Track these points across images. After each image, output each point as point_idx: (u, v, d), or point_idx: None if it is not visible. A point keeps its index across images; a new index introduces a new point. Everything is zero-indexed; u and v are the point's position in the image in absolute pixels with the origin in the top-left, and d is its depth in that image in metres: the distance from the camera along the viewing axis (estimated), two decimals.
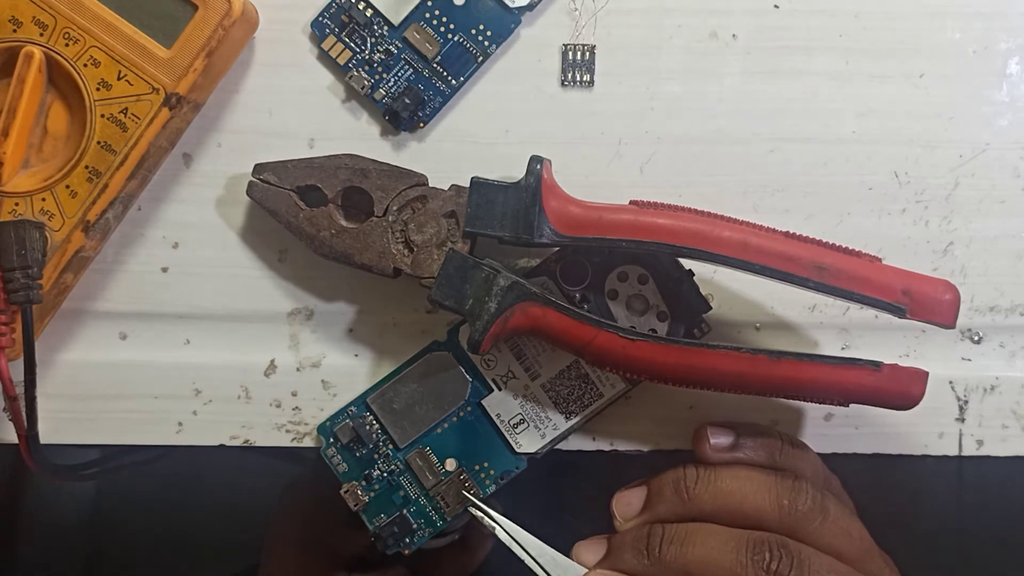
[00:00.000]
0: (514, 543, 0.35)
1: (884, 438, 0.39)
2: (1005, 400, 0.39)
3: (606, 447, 0.39)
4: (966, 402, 0.39)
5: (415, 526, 0.37)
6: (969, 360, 0.39)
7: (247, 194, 0.36)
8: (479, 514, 0.35)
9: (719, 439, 0.35)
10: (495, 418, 0.37)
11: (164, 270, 0.38)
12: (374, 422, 0.37)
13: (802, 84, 0.38)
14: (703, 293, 0.37)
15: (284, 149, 0.38)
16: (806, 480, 0.34)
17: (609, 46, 0.38)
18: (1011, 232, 0.38)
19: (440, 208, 0.35)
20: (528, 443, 0.37)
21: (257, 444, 0.39)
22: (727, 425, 0.36)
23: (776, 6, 0.38)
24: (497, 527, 0.35)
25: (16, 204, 0.35)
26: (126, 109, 0.34)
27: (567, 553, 0.35)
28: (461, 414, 0.37)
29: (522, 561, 0.35)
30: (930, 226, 0.38)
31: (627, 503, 0.35)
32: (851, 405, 0.34)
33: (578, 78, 0.38)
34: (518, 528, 0.35)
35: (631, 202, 0.35)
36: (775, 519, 0.33)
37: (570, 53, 0.38)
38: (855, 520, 0.34)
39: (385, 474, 0.37)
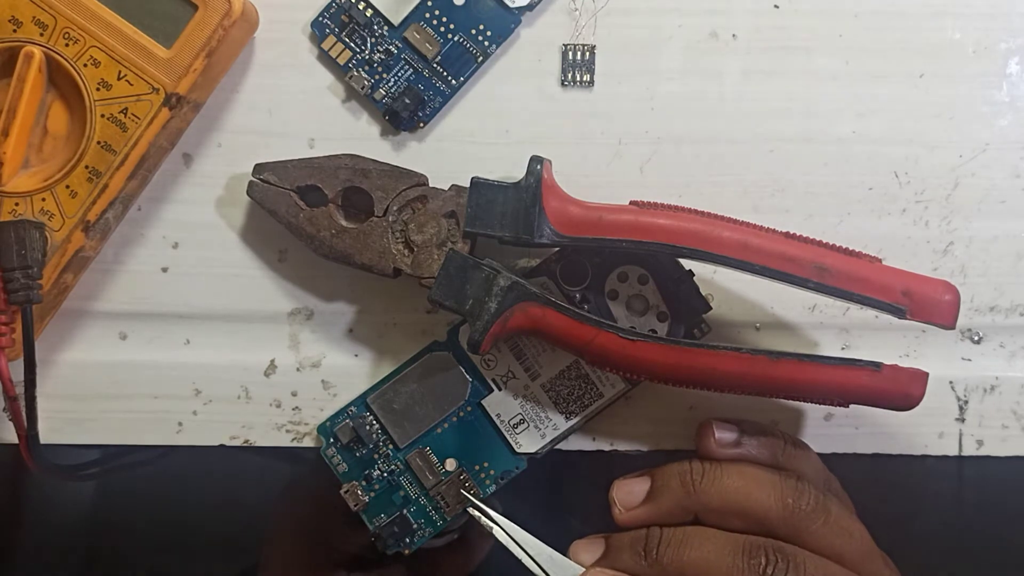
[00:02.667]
0: (512, 542, 0.35)
1: (884, 438, 0.39)
2: (1005, 400, 0.39)
3: (606, 447, 0.39)
4: (966, 402, 0.39)
5: (415, 526, 0.37)
6: (969, 360, 0.39)
7: (247, 194, 0.36)
8: (477, 514, 0.35)
9: (724, 434, 0.35)
10: (495, 418, 0.37)
11: (164, 270, 0.38)
12: (374, 422, 0.37)
13: (802, 84, 0.38)
14: (703, 293, 0.37)
15: (284, 149, 0.38)
16: (808, 480, 0.34)
17: (609, 46, 0.38)
18: (1011, 232, 0.38)
19: (440, 208, 0.35)
20: (528, 443, 0.37)
21: (257, 444, 0.39)
22: (731, 422, 0.36)
23: (776, 6, 0.38)
24: (495, 526, 0.35)
25: (16, 204, 0.35)
26: (126, 109, 0.34)
27: (565, 552, 0.35)
28: (461, 414, 0.37)
29: (520, 560, 0.35)
30: (930, 226, 0.38)
31: (629, 491, 0.35)
32: (851, 405, 0.34)
33: (578, 78, 0.38)
34: (516, 527, 0.35)
35: (631, 202, 0.35)
36: (779, 517, 0.33)
37: (570, 53, 0.38)
38: (856, 521, 0.34)
39: (385, 474, 0.37)
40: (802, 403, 0.38)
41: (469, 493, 0.37)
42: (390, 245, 0.35)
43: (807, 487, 0.34)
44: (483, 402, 0.37)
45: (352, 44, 0.37)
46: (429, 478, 0.37)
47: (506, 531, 0.35)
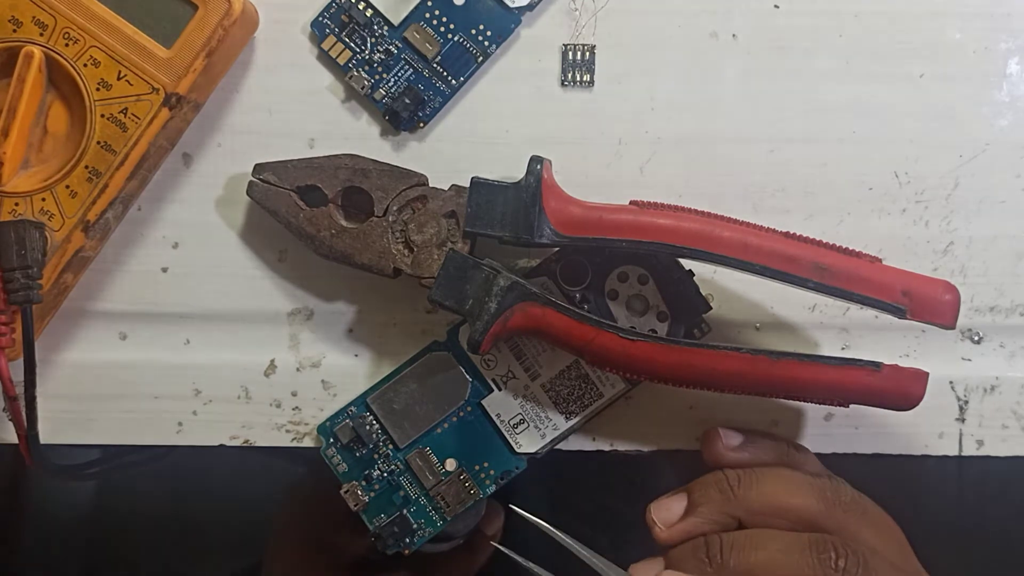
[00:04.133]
0: (583, 553, 0.35)
1: (884, 438, 0.39)
2: (1005, 400, 0.39)
3: (606, 447, 0.39)
4: (966, 402, 0.39)
5: (415, 526, 0.37)
6: (969, 360, 0.39)
7: (247, 194, 0.36)
8: (534, 519, 0.35)
9: (731, 439, 0.36)
10: (495, 418, 0.37)
11: (164, 270, 0.38)
12: (374, 422, 0.37)
13: (802, 84, 0.38)
14: (703, 293, 0.37)
15: (284, 149, 0.38)
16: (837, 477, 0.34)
17: (609, 46, 0.38)
18: (1011, 232, 0.38)
19: (440, 208, 0.35)
20: (528, 443, 0.37)
21: (257, 444, 0.39)
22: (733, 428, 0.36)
23: (776, 6, 0.38)
24: (557, 533, 0.35)
25: (16, 204, 0.35)
26: (126, 109, 0.34)
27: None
28: (461, 414, 0.37)
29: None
30: (930, 226, 0.38)
31: (667, 509, 0.35)
32: (851, 405, 0.34)
33: (578, 78, 0.38)
34: (578, 544, 0.35)
35: (631, 202, 0.35)
36: (822, 513, 0.33)
37: (570, 53, 0.38)
38: (886, 514, 0.34)
39: (385, 474, 0.37)
40: (802, 403, 0.38)
41: (515, 506, 0.37)
42: (390, 245, 0.35)
43: (841, 482, 0.34)
44: (483, 402, 0.37)
45: (352, 44, 0.37)
46: (429, 478, 0.37)
47: (569, 546, 0.35)
